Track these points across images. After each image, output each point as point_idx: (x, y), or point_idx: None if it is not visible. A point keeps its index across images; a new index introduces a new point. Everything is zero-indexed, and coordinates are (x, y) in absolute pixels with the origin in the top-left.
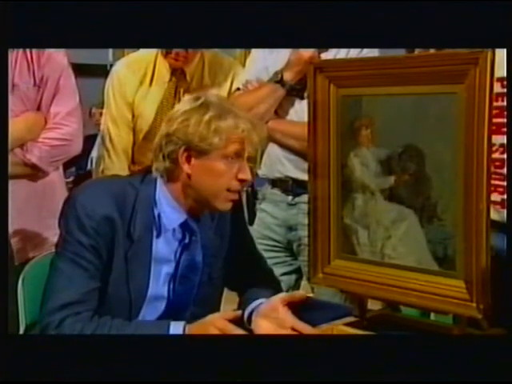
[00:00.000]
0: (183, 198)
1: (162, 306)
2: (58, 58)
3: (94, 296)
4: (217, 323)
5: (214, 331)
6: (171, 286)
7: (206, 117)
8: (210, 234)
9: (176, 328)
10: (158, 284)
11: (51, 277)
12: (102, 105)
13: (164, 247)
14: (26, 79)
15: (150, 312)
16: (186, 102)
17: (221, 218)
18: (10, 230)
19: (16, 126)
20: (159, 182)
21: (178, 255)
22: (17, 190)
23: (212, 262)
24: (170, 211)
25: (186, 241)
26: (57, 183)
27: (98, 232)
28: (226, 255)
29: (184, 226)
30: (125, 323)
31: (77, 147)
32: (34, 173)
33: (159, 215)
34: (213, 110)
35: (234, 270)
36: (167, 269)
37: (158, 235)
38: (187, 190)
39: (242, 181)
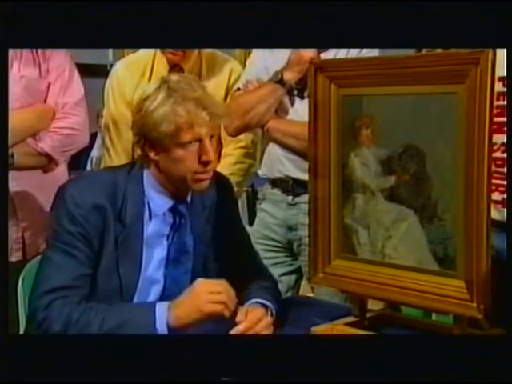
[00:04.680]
0: (164, 183)
1: (157, 290)
2: (63, 53)
3: (83, 283)
4: (204, 289)
5: (204, 298)
6: (165, 270)
7: (153, 105)
8: (202, 221)
9: (161, 307)
10: (152, 268)
11: (41, 266)
12: None
13: (156, 232)
14: (32, 71)
15: (146, 297)
16: (144, 91)
17: (212, 208)
18: (22, 224)
19: (26, 115)
20: (145, 171)
21: (169, 239)
22: (27, 184)
23: (205, 251)
24: (157, 197)
25: (177, 224)
26: (65, 179)
27: (88, 220)
28: (221, 247)
29: (173, 210)
30: (111, 307)
31: (85, 138)
32: (46, 164)
33: (148, 202)
34: (161, 95)
35: (228, 264)
36: (160, 253)
37: (150, 221)
38: (161, 175)
39: (205, 163)
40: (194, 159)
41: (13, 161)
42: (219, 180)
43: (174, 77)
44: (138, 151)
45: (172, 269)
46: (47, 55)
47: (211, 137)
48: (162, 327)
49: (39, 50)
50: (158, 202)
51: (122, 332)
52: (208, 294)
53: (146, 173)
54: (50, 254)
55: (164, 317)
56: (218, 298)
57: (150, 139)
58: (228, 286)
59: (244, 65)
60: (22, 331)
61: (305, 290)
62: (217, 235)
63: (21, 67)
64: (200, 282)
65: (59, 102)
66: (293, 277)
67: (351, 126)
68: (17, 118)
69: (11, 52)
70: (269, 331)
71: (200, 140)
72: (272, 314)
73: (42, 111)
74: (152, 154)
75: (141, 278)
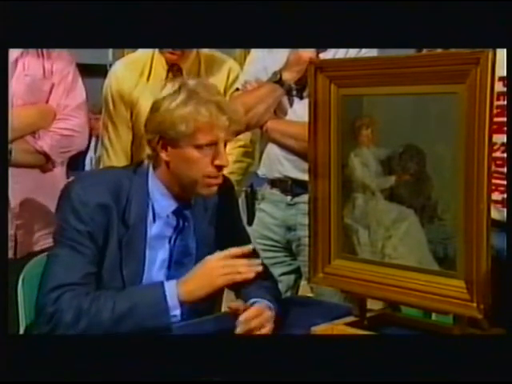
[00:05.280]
0: (171, 185)
1: None
2: (68, 55)
3: (91, 280)
4: (217, 265)
5: (218, 272)
6: (167, 272)
7: (173, 104)
8: (204, 223)
9: (169, 284)
10: (154, 270)
11: (49, 263)
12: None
13: (159, 234)
14: (36, 71)
15: None
16: (163, 89)
17: (215, 209)
18: (17, 222)
19: (28, 112)
20: (150, 172)
21: (172, 241)
22: (25, 182)
23: (207, 252)
24: (161, 199)
25: (180, 227)
26: (63, 181)
27: (93, 219)
28: (223, 248)
29: (177, 212)
30: (120, 292)
31: (83, 140)
32: (43, 163)
33: (153, 204)
34: (181, 96)
35: None
36: (162, 255)
37: (153, 222)
38: (170, 177)
39: (218, 167)
40: (207, 162)
41: (10, 157)
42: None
43: (192, 80)
44: (148, 151)
45: (174, 271)
46: (52, 57)
47: (225, 143)
48: (173, 302)
49: (44, 51)
50: (162, 203)
51: (135, 313)
52: (221, 269)
53: (151, 174)
54: (58, 250)
55: (174, 293)
56: (231, 269)
57: (166, 138)
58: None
59: (243, 65)
60: (22, 331)
61: (304, 289)
62: (219, 236)
63: (26, 66)
64: (211, 259)
65: (61, 104)
66: (292, 277)
67: (351, 125)
68: (19, 114)
69: (17, 51)
70: (269, 325)
71: (215, 144)
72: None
73: (44, 110)
74: (164, 154)
75: (143, 279)
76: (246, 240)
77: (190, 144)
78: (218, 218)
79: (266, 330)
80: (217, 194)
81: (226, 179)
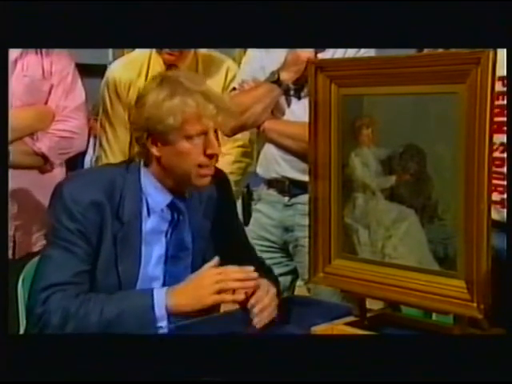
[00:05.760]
0: (164, 179)
1: (157, 287)
2: (67, 56)
3: (83, 279)
4: (212, 280)
5: (210, 290)
6: (164, 266)
7: (159, 98)
8: (199, 216)
9: (159, 293)
10: (151, 265)
11: (40, 264)
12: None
13: (154, 228)
14: (35, 71)
15: None
16: (145, 86)
17: (209, 202)
18: (15, 223)
19: (26, 113)
20: (142, 167)
21: (168, 235)
22: (24, 183)
23: (204, 246)
24: (155, 194)
25: (175, 220)
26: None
27: (86, 217)
28: (219, 241)
29: (171, 206)
30: (109, 296)
31: (82, 142)
32: (42, 164)
33: (146, 199)
34: (166, 89)
35: (227, 259)
36: (158, 250)
37: (148, 217)
38: (163, 171)
39: (210, 156)
40: (199, 152)
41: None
42: (215, 174)
43: (175, 72)
44: (137, 148)
45: (171, 265)
46: (51, 57)
47: (215, 130)
48: (160, 313)
49: (43, 52)
50: (156, 198)
51: (122, 320)
52: (214, 285)
53: (143, 169)
54: (49, 251)
55: (163, 303)
56: (225, 286)
57: (154, 134)
58: (243, 270)
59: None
60: (22, 331)
61: (300, 291)
62: (215, 229)
63: (25, 67)
64: (206, 272)
65: (60, 105)
66: (288, 278)
67: (351, 125)
68: (17, 116)
69: (16, 51)
70: (275, 301)
71: (205, 133)
72: None
73: (42, 112)
74: (154, 150)
75: (140, 275)
76: (240, 233)
77: (179, 136)
78: (212, 210)
79: (269, 299)
80: (211, 187)
81: (219, 171)
